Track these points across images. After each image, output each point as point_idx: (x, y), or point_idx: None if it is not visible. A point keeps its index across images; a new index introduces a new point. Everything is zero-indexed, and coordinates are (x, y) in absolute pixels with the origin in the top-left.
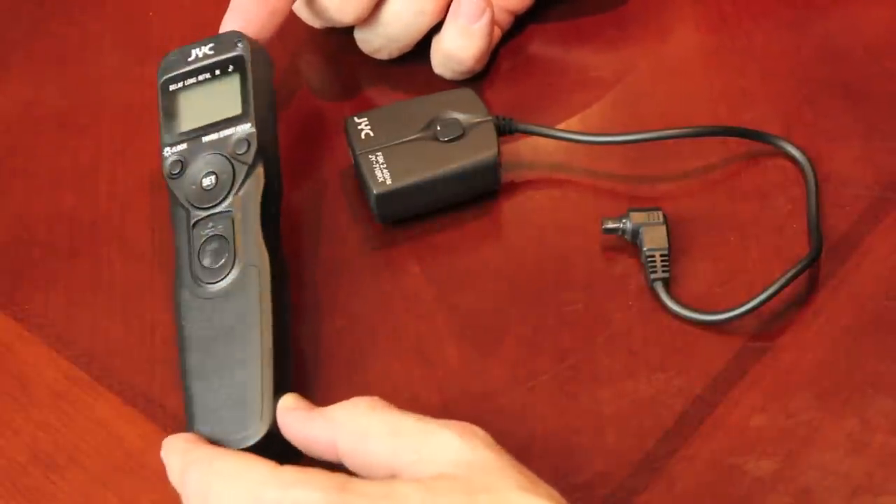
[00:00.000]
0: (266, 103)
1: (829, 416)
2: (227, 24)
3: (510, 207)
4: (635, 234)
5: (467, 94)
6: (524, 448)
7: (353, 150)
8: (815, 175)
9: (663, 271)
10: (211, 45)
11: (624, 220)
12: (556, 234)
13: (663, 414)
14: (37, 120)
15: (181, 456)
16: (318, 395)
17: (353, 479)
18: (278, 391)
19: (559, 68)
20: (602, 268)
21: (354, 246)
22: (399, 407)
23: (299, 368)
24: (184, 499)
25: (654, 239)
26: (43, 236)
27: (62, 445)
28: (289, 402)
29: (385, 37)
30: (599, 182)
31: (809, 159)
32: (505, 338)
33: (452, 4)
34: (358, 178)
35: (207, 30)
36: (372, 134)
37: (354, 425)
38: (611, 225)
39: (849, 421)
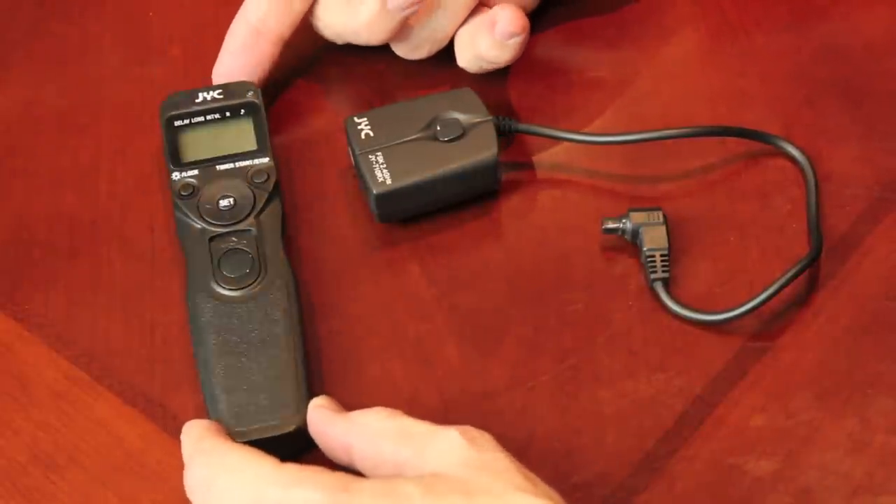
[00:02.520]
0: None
1: (829, 416)
2: (219, 76)
3: (510, 207)
4: (635, 234)
5: (467, 94)
6: (524, 448)
7: (352, 150)
8: (815, 175)
9: (663, 271)
10: (220, 90)
11: (624, 220)
12: (556, 234)
13: (663, 414)
14: (37, 120)
15: (194, 443)
16: (317, 394)
17: (355, 478)
18: (307, 384)
19: (559, 68)
20: (602, 268)
21: (354, 246)
22: (399, 407)
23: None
24: (187, 485)
25: (654, 239)
26: (43, 236)
27: (62, 445)
28: (320, 401)
29: (425, 37)
30: (599, 182)
31: (809, 159)
32: (505, 338)
33: (488, 14)
34: (358, 178)
35: (207, 29)
36: (372, 134)
37: (369, 428)
38: (611, 225)
39: (849, 421)
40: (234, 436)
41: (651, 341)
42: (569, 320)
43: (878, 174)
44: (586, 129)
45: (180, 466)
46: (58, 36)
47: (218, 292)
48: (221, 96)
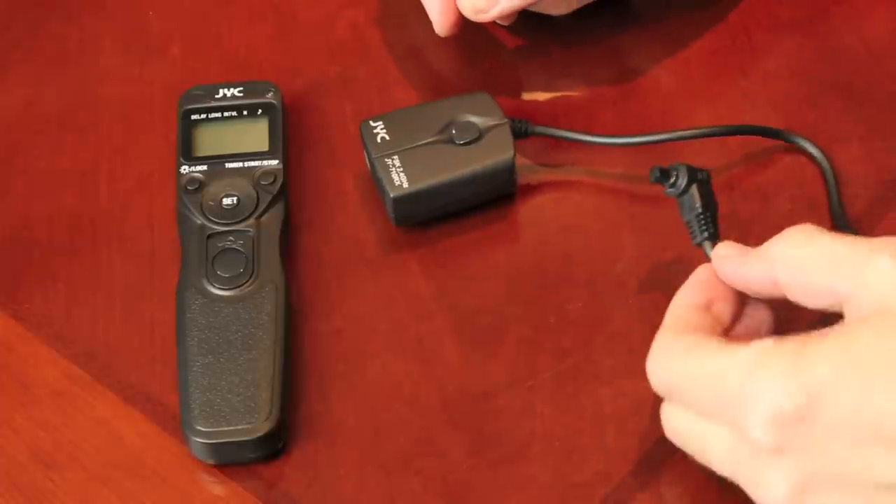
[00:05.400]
0: (286, 145)
1: None
2: None
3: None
4: (686, 189)
5: (483, 97)
6: (524, 447)
7: (368, 154)
8: (835, 173)
9: (712, 228)
10: (241, 88)
11: (675, 172)
12: (558, 234)
13: None
14: (37, 120)
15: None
16: (317, 394)
17: (807, 342)
18: (283, 391)
19: (572, 71)
20: (602, 267)
21: (355, 245)
22: (399, 407)
23: (300, 367)
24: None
25: (706, 195)
26: (43, 236)
27: (62, 444)
28: (722, 250)
29: None
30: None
31: (828, 158)
32: (505, 337)
33: None
34: (375, 181)
35: (207, 29)
36: (388, 137)
37: (791, 260)
38: (660, 175)
39: None
40: (201, 436)
41: (651, 340)
42: (568, 319)
43: (879, 173)
44: (599, 131)
45: (180, 466)
46: (58, 36)
47: (208, 290)
48: (241, 94)
